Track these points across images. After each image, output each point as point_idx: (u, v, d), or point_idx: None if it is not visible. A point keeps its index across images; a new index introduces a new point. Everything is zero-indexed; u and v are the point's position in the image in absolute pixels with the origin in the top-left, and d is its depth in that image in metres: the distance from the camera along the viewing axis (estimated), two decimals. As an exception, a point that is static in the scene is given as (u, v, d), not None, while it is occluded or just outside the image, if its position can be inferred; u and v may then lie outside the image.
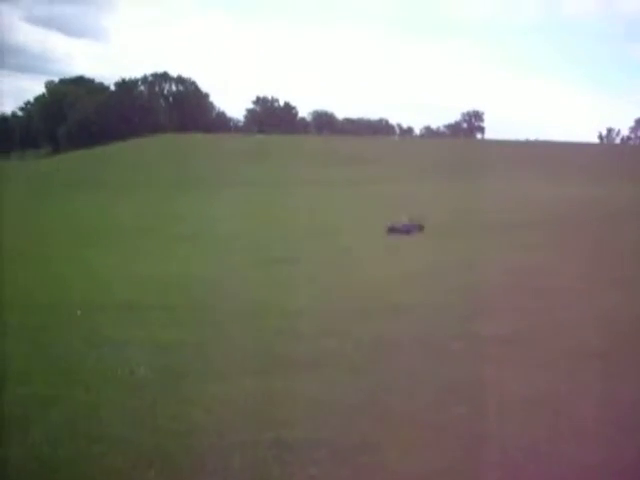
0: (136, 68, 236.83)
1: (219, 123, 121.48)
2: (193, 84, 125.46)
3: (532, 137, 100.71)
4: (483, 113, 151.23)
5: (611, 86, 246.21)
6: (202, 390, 6.78)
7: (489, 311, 10.45)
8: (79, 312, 10.31)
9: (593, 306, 10.75)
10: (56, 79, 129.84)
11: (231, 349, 8.42)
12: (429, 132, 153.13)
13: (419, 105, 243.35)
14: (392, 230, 21.65)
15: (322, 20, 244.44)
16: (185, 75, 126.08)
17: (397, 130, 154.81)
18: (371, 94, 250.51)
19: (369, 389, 6.89)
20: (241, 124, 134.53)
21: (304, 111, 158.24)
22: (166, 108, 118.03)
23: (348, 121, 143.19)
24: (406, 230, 21.60)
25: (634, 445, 5.51)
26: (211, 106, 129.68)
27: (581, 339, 8.71)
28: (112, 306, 11.01)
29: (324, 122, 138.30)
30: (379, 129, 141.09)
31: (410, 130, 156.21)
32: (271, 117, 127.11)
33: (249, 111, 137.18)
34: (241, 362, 7.82)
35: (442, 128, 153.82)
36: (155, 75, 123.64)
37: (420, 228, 21.94)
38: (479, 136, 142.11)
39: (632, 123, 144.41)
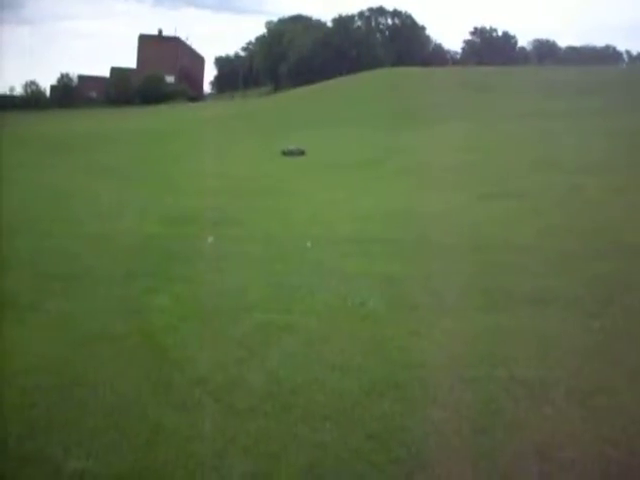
0: (352, 3, 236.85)
1: (436, 56, 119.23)
2: (409, 17, 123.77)
3: None
4: None
5: None
6: (431, 323, 6.82)
7: None
8: (309, 244, 10.68)
9: None
10: (275, 19, 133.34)
11: (457, 283, 8.39)
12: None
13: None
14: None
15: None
16: (401, 8, 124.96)
17: (625, 58, 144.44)
18: (596, 19, 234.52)
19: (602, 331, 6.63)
20: (458, 56, 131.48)
21: (524, 40, 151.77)
22: (383, 42, 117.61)
23: (571, 49, 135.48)
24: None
25: None
26: (427, 39, 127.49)
27: None
28: (338, 239, 11.31)
29: (545, 51, 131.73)
30: (605, 57, 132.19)
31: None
32: (489, 48, 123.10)
33: (467, 42, 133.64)
34: (468, 297, 7.77)
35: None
36: (371, 10, 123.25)
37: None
38: None
39: None
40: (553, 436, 4.61)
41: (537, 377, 5.50)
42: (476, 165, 21.98)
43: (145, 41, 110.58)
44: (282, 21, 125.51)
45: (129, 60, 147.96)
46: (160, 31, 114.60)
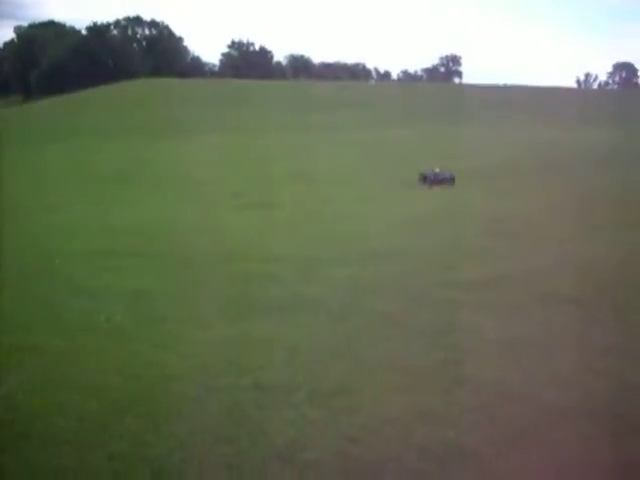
0: (108, 12, 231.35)
1: (194, 68, 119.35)
2: (167, 28, 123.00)
3: (510, 82, 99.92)
4: (461, 57, 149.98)
5: (590, 31, 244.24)
6: (179, 336, 6.79)
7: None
8: (57, 261, 10.24)
9: (564, 251, 10.86)
10: (25, 24, 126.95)
11: (208, 295, 8.42)
12: (407, 76, 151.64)
13: (396, 49, 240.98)
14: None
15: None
16: (158, 19, 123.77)
17: (374, 74, 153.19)
18: (347, 37, 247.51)
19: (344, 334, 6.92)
20: (216, 69, 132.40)
21: (280, 55, 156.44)
22: (140, 53, 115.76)
23: (325, 65, 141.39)
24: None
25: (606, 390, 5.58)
26: (185, 50, 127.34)
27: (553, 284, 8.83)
28: (89, 254, 10.95)
29: (300, 66, 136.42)
30: (356, 73, 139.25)
31: (387, 74, 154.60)
32: (247, 62, 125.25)
33: (224, 55, 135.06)
34: (218, 307, 7.81)
35: (420, 72, 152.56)
36: (127, 19, 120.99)
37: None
38: (457, 80, 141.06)
39: (610, 69, 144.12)
40: (295, 439, 4.73)
41: (281, 383, 5.63)
42: (233, 177, 22.29)
43: None
44: (33, 27, 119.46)
45: None
46: None
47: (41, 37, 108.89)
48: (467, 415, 5.12)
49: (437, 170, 20.52)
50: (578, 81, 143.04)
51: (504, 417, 5.07)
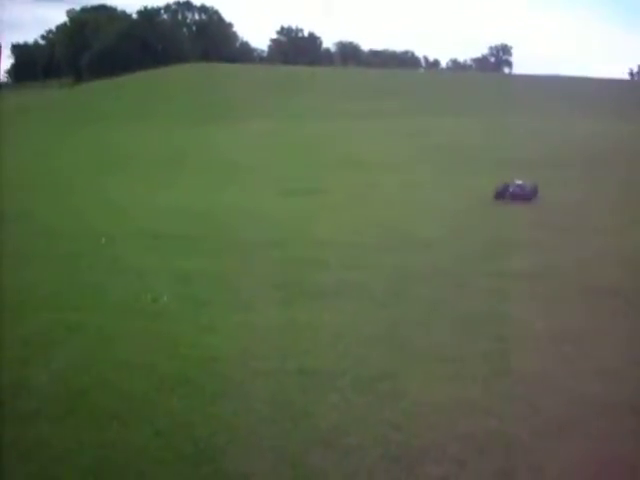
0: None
1: (243, 53, 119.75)
2: (216, 13, 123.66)
3: (560, 72, 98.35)
4: (511, 47, 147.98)
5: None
6: (225, 319, 6.83)
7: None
8: (103, 240, 10.37)
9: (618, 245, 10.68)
10: (77, 7, 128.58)
11: (253, 279, 8.44)
12: (456, 65, 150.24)
13: (446, 38, 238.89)
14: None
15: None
16: (208, 4, 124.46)
17: (423, 63, 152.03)
18: (397, 25, 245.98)
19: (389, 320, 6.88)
20: (265, 54, 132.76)
21: (328, 42, 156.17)
22: (189, 37, 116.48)
23: (373, 53, 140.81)
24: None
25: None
26: (234, 36, 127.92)
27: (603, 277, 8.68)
28: (135, 235, 11.08)
29: (349, 53, 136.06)
30: (405, 61, 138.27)
31: (436, 63, 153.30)
32: (295, 48, 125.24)
33: (273, 41, 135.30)
34: (263, 291, 7.83)
35: (469, 62, 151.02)
36: (178, 4, 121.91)
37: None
38: (507, 70, 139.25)
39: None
40: (338, 423, 4.73)
41: (326, 367, 5.63)
42: (279, 162, 22.31)
43: None
44: (85, 10, 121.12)
45: None
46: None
47: (93, 21, 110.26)
48: (511, 405, 5.06)
49: (519, 182, 15.89)
50: (631, 72, 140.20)
51: (548, 408, 5.00)
